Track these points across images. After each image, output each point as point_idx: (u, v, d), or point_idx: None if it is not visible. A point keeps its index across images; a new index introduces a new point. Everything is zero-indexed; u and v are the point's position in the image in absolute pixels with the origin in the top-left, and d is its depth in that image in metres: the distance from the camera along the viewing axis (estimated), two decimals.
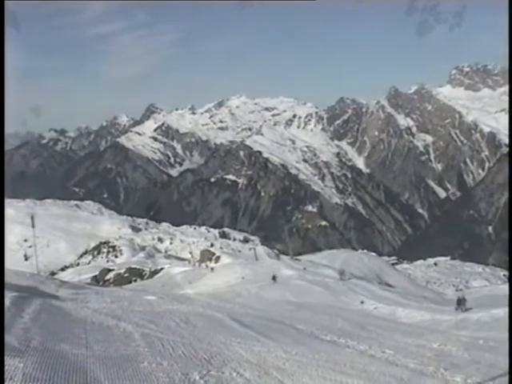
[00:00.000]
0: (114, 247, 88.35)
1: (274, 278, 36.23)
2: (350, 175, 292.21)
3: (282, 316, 19.80)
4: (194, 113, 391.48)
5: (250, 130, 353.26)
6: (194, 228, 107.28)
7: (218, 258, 58.93)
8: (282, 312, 22.38)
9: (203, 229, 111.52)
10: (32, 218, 43.54)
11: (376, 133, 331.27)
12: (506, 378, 9.70)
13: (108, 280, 58.10)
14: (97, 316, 13.87)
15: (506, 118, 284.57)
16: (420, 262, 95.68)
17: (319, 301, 29.36)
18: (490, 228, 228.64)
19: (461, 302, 25.41)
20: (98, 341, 10.55)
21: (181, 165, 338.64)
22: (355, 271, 50.89)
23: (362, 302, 29.00)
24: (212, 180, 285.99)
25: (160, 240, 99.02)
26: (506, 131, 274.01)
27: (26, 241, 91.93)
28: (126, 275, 59.03)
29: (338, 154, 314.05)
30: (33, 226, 43.58)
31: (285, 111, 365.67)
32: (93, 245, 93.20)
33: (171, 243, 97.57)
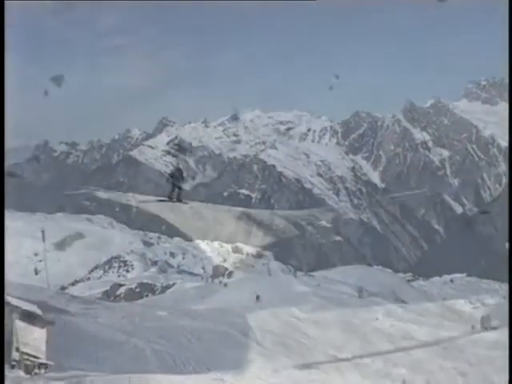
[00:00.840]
0: (125, 262, 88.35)
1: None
2: (364, 190, 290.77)
3: (296, 332, 19.50)
4: (207, 126, 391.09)
5: (263, 143, 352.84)
6: (207, 243, 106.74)
7: (230, 274, 58.79)
8: (296, 328, 22.07)
9: (216, 243, 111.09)
10: (42, 232, 43.79)
11: (391, 147, 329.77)
12: None
13: (119, 295, 58.12)
14: (107, 331, 13.71)
15: None
16: (436, 278, 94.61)
17: (333, 317, 28.94)
18: (507, 244, 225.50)
19: (485, 320, 24.73)
20: (108, 356, 10.40)
21: (194, 179, 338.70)
22: (370, 288, 50.35)
23: (377, 319, 28.54)
24: (225, 194, 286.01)
25: (172, 255, 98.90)
26: None
27: (36, 255, 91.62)
28: (138, 290, 59.02)
29: (352, 169, 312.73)
30: (43, 240, 43.79)
31: (299, 125, 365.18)
32: (104, 259, 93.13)
33: (184, 258, 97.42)
